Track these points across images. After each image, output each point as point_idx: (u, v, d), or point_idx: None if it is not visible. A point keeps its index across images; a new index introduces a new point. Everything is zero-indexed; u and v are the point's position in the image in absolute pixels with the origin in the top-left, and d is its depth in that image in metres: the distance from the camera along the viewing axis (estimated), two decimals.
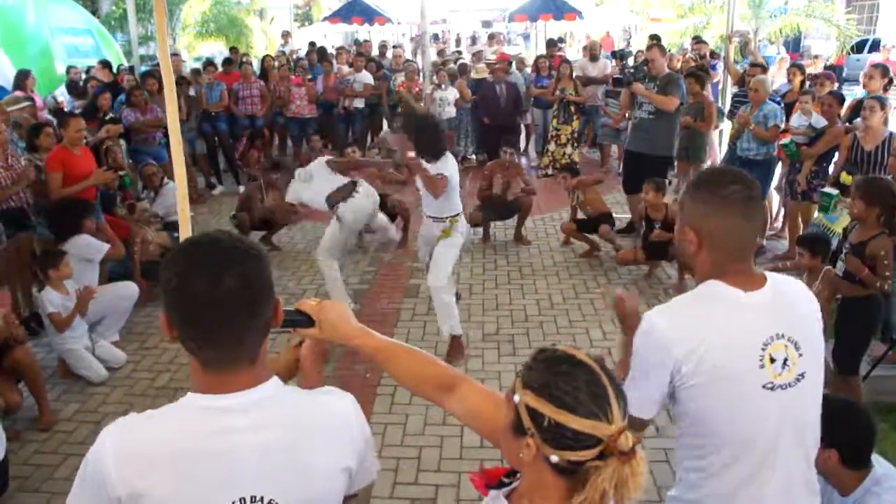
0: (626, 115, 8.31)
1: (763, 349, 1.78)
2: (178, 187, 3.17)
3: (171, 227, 7.04)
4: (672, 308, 1.87)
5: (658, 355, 1.81)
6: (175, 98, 2.25)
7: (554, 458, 1.28)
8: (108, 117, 8.02)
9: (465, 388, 1.68)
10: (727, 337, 1.78)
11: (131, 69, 11.20)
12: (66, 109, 9.38)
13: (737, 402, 1.78)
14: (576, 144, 10.82)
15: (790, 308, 1.86)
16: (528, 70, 12.29)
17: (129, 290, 5.64)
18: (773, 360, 1.79)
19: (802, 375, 1.82)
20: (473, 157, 11.71)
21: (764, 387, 1.78)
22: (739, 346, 1.78)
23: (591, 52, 11.50)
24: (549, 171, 10.74)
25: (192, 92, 10.18)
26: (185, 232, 2.75)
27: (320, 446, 1.40)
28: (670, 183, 8.36)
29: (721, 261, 1.84)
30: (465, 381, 1.69)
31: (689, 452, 1.91)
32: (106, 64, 11.16)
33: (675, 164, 8.71)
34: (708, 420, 1.81)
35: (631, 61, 11.77)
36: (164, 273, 1.33)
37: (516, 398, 1.33)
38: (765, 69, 8.02)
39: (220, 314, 1.30)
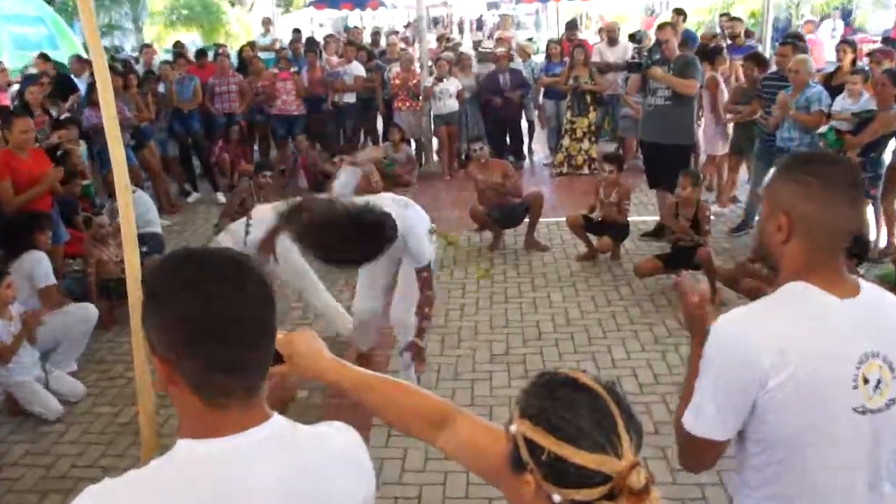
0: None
1: (858, 367, 1.72)
2: (125, 201, 3.07)
3: (140, 240, 6.97)
4: (753, 312, 1.80)
5: (739, 368, 1.73)
6: (111, 96, 2.15)
7: (556, 498, 1.26)
8: (62, 117, 7.98)
9: (459, 422, 1.65)
10: (820, 349, 1.71)
11: (90, 63, 11.16)
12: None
13: (825, 424, 1.72)
14: (593, 139, 10.80)
15: (886, 323, 1.78)
16: (538, 57, 12.26)
17: (86, 312, 5.55)
18: (866, 381, 1.72)
19: (893, 401, 1.76)
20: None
21: (855, 410, 1.72)
22: (833, 362, 1.71)
23: (610, 35, 11.46)
24: (564, 170, 10.74)
25: (161, 88, 10.14)
26: (130, 257, 2.63)
27: (337, 486, 1.37)
28: (704, 178, 8.32)
29: (812, 253, 1.77)
30: (459, 415, 1.67)
31: (757, 478, 1.84)
32: (45, 56, 11.05)
33: (699, 155, 8.66)
34: (790, 442, 1.75)
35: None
36: (170, 298, 1.25)
37: (513, 428, 1.32)
38: (799, 46, 7.88)
39: (250, 328, 1.27)
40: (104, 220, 6.65)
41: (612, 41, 11.33)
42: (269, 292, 1.31)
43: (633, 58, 9.32)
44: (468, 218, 8.07)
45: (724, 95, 8.55)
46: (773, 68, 7.91)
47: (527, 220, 7.80)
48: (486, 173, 7.79)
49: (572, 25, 12.66)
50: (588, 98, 10.57)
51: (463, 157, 11.44)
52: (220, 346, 1.25)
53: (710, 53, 8.92)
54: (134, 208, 7.03)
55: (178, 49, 12.64)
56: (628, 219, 7.45)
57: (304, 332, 1.71)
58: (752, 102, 7.81)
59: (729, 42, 10.47)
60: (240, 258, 1.31)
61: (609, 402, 1.28)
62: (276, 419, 1.34)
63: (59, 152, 7.12)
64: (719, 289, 6.21)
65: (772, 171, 1.88)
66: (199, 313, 1.23)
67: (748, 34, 11.50)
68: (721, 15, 13.19)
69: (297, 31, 14.90)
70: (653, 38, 9.89)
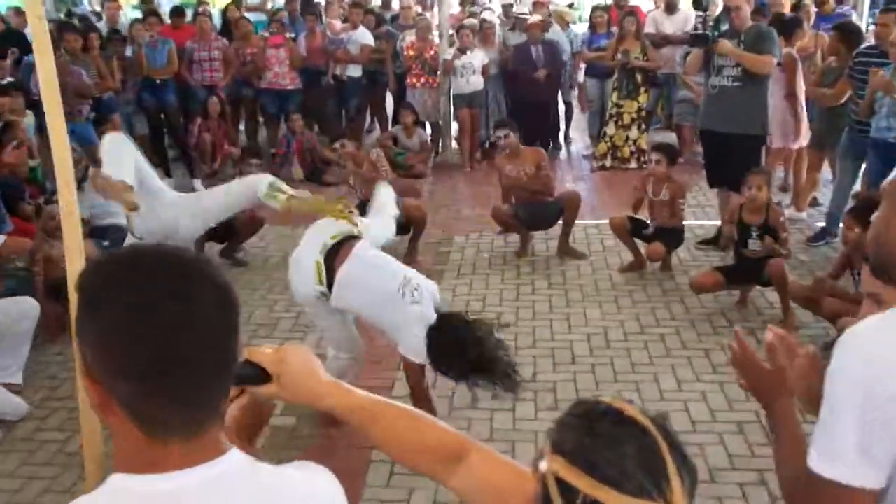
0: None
1: None
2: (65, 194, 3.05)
3: (99, 233, 6.98)
4: (887, 321, 1.68)
5: (884, 389, 1.60)
6: (50, 58, 2.12)
7: None
8: (5, 82, 7.99)
9: (475, 458, 1.66)
10: None
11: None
12: None
13: None
14: (644, 126, 10.78)
15: None
16: (579, 26, 12.21)
17: (25, 306, 5.52)
18: None
19: None
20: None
21: None
22: None
23: (668, 1, 11.41)
24: (607, 162, 10.73)
25: (128, 52, 10.14)
26: (73, 259, 2.61)
27: None
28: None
29: None
30: (476, 450, 1.67)
31: None
32: None
33: (766, 148, 8.59)
34: None
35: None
36: (104, 308, 1.22)
37: (543, 465, 1.33)
38: None
39: (200, 347, 1.23)
40: (56, 210, 6.64)
41: (671, 8, 11.27)
42: (230, 303, 1.28)
43: (695, 28, 9.25)
44: (491, 217, 8.02)
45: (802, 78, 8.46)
46: (871, 42, 7.81)
47: (561, 222, 7.77)
48: (515, 164, 7.76)
49: None
50: (639, 77, 10.54)
51: (486, 144, 11.44)
52: (161, 369, 1.21)
53: (787, 26, 8.83)
54: (94, 196, 7.10)
55: (149, 5, 12.66)
56: (683, 222, 7.39)
57: (297, 348, 1.70)
58: (841, 83, 7.72)
59: (815, 10, 10.35)
60: (196, 260, 1.30)
61: (658, 440, 1.28)
62: (233, 455, 1.32)
63: None
64: (793, 310, 6.14)
65: None
66: (136, 327, 1.20)
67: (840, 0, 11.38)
68: None
69: None
70: (720, 6, 9.83)
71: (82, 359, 1.27)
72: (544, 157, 8.08)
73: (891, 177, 1.84)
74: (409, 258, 7.39)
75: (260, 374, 1.64)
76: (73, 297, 1.64)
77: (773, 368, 2.00)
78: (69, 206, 2.87)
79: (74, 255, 2.80)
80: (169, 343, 1.20)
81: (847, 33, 7.99)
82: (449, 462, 1.66)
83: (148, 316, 1.20)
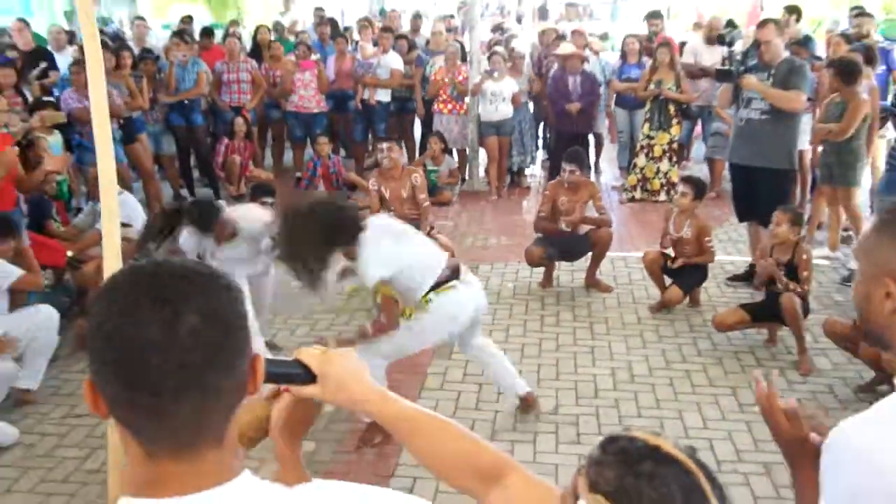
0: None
1: None
2: (107, 206, 3.12)
3: None
4: (883, 415, 1.62)
5: (875, 491, 1.53)
6: (102, 78, 2.19)
7: None
8: (41, 99, 8.14)
9: (514, 479, 1.65)
10: None
11: (72, 36, 11.39)
12: None
13: None
14: (674, 159, 10.75)
15: None
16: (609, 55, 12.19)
17: (43, 315, 5.59)
18: None
19: None
20: (537, 174, 11.73)
21: None
22: None
23: (710, 32, 11.36)
24: (637, 194, 10.74)
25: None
26: (110, 265, 2.67)
27: None
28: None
29: None
30: (514, 470, 1.67)
31: None
32: (26, 23, 11.12)
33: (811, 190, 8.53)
34: None
35: (739, 47, 11.47)
36: (92, 313, 1.24)
37: None
38: None
39: (176, 368, 1.20)
40: (83, 223, 6.79)
41: (713, 40, 11.21)
42: (220, 320, 1.25)
43: (722, 63, 9.24)
44: (517, 247, 8.02)
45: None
46: None
47: (590, 254, 7.76)
48: (570, 196, 7.66)
49: (655, 16, 12.56)
50: (671, 109, 10.53)
51: (515, 172, 11.52)
52: (133, 384, 1.21)
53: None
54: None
55: (184, 24, 12.78)
56: (713, 259, 7.29)
57: (346, 352, 1.74)
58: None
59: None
60: (191, 274, 1.27)
61: (700, 478, 1.28)
62: (243, 480, 1.29)
63: (24, 142, 7.15)
64: (806, 350, 6.12)
65: (869, 221, 1.74)
66: (111, 338, 1.21)
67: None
68: (853, 8, 12.62)
69: (320, 12, 14.92)
70: (750, 39, 9.81)
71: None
72: (598, 189, 8.02)
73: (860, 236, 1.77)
74: None
75: (306, 374, 1.68)
76: None
77: (792, 428, 1.97)
78: (111, 212, 2.93)
79: (112, 261, 2.85)
80: (138, 361, 1.19)
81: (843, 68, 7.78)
82: (487, 480, 1.66)
83: (118, 331, 1.19)
